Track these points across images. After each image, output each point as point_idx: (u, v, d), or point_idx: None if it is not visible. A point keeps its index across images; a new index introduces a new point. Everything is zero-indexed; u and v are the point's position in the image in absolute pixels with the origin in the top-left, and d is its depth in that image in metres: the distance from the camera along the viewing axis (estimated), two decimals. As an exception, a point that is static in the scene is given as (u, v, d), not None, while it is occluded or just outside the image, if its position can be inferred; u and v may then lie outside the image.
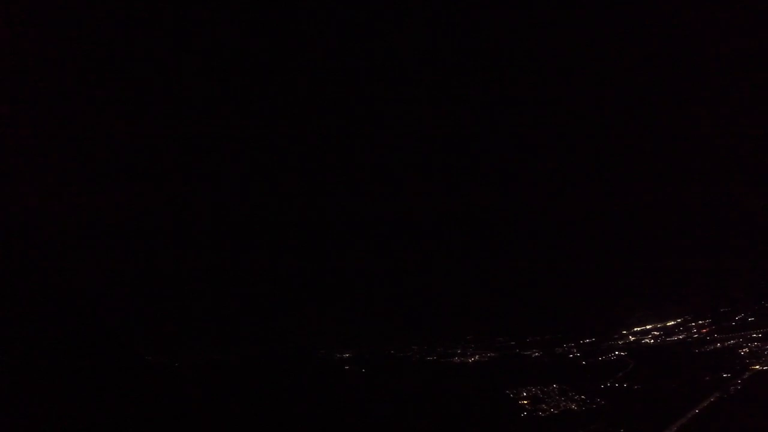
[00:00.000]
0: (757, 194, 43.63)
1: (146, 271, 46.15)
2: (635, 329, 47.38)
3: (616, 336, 47.90)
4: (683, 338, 45.25)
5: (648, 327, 47.00)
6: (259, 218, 52.39)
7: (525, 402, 42.22)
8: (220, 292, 48.65)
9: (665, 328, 46.39)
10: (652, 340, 46.52)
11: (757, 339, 41.78)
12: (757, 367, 39.02)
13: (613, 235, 50.58)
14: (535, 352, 49.69)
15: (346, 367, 46.27)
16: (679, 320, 46.20)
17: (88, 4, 39.05)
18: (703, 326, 44.84)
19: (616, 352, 47.11)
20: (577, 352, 48.81)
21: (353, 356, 46.96)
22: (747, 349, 41.41)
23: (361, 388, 42.60)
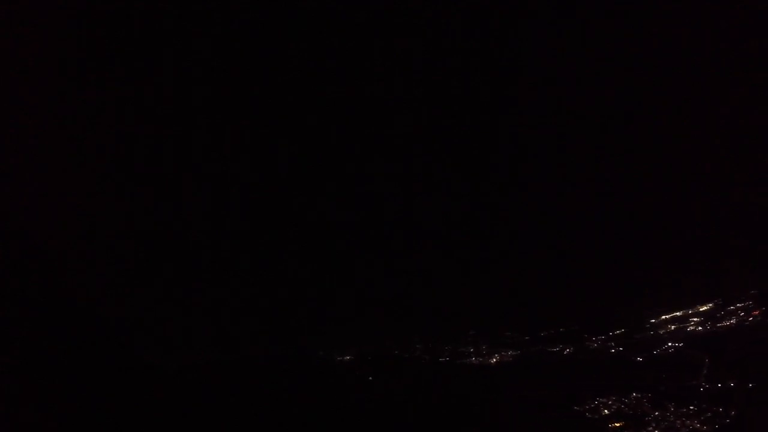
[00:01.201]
0: (759, 193, 43.60)
1: (146, 272, 46.08)
2: (664, 317, 42.04)
3: (647, 326, 42.36)
4: (735, 323, 39.39)
5: (678, 314, 41.72)
6: (259, 218, 52.31)
7: (618, 424, 32.26)
8: (220, 292, 48.61)
9: (701, 314, 41.11)
10: (699, 327, 40.47)
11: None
12: None
13: (612, 226, 50.29)
14: (566, 348, 42.74)
15: (349, 372, 42.32)
16: (710, 305, 41.19)
17: (88, 4, 39.00)
18: (748, 308, 39.80)
19: (669, 344, 40.07)
20: (618, 346, 41.65)
21: (355, 358, 44.36)
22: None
23: (371, 399, 37.57)
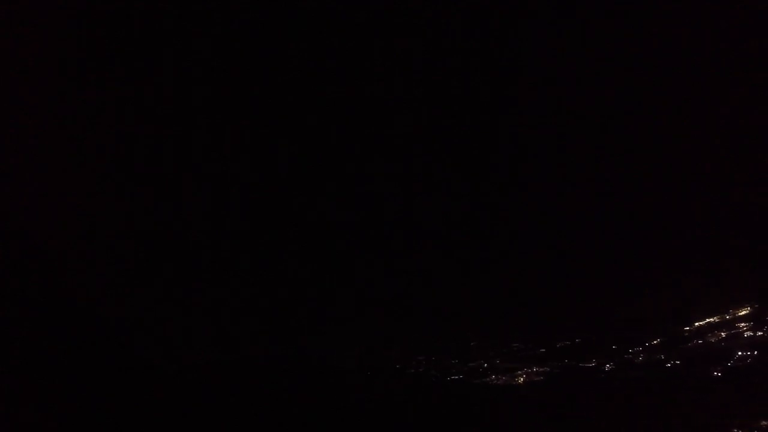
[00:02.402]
0: (759, 193, 43.54)
1: (146, 272, 45.97)
2: (697, 324, 36.79)
3: (685, 334, 37.01)
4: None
5: (713, 319, 36.63)
6: (259, 219, 52.16)
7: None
8: (220, 292, 48.52)
9: (745, 318, 36.30)
10: (759, 332, 34.92)
11: None
12: None
13: (611, 226, 49.80)
14: (606, 364, 35.80)
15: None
16: (748, 309, 36.78)
17: (88, 4, 38.92)
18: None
19: (739, 353, 34.34)
20: (672, 359, 35.54)
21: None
22: None
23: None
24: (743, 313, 37.63)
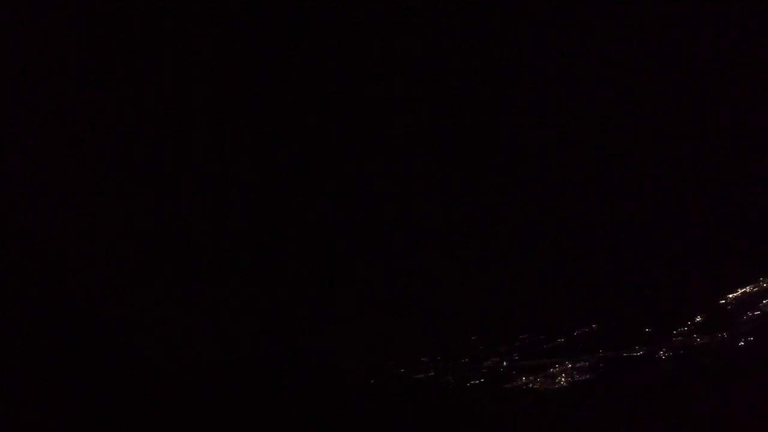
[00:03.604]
0: (759, 193, 43.64)
1: (146, 272, 46.13)
2: (731, 296, 33.35)
3: (729, 307, 32.95)
4: None
5: (748, 289, 32.76)
6: (259, 218, 52.11)
7: None
8: (220, 292, 48.63)
9: None
10: None
11: None
12: None
13: (612, 226, 49.84)
14: (658, 351, 27.40)
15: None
16: None
17: (88, 4, 39.22)
18: None
19: None
20: (745, 336, 30.91)
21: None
22: None
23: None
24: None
